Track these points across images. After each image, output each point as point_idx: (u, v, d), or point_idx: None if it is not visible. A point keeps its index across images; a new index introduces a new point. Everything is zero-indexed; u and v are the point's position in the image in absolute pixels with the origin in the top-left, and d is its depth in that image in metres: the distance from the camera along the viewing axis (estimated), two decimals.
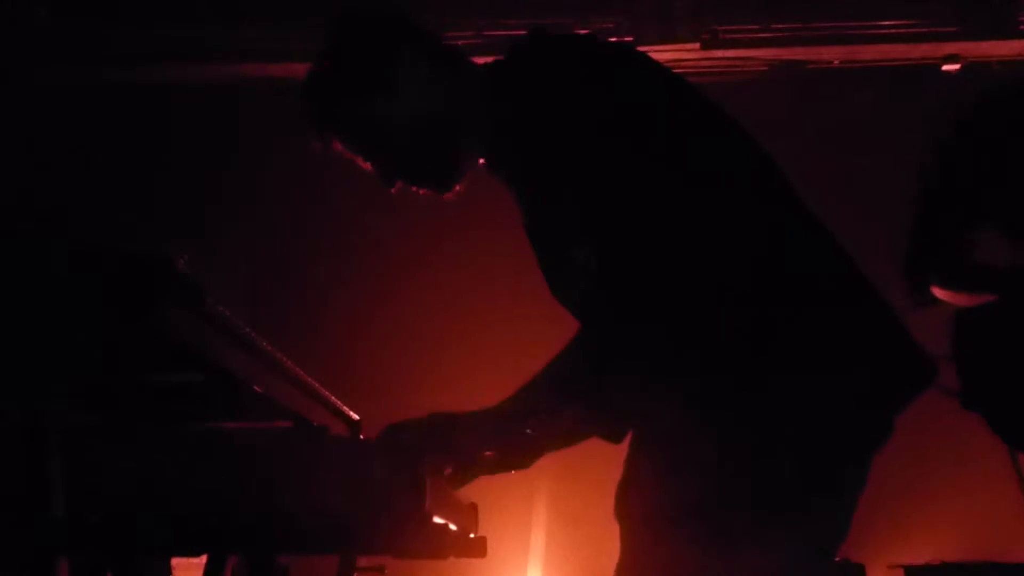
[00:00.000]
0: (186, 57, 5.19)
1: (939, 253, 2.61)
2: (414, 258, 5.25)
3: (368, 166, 2.12)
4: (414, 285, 5.25)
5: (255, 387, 1.73)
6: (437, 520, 1.80)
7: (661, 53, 4.52)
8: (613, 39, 2.16)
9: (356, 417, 2.45)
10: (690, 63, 5.09)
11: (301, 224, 5.32)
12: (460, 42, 3.61)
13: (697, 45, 5.17)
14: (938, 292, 2.86)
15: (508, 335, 5.01)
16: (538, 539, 5.16)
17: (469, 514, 2.21)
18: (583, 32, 2.16)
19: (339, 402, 2.24)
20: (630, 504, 1.96)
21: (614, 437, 2.06)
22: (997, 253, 2.67)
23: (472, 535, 2.18)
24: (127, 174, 5.21)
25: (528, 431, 2.05)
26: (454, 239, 5.09)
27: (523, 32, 2.10)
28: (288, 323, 4.75)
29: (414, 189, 2.12)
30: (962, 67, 5.23)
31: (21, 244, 1.36)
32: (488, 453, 2.07)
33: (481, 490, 2.19)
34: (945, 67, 5.26)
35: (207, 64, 5.24)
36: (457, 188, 2.13)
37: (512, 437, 2.04)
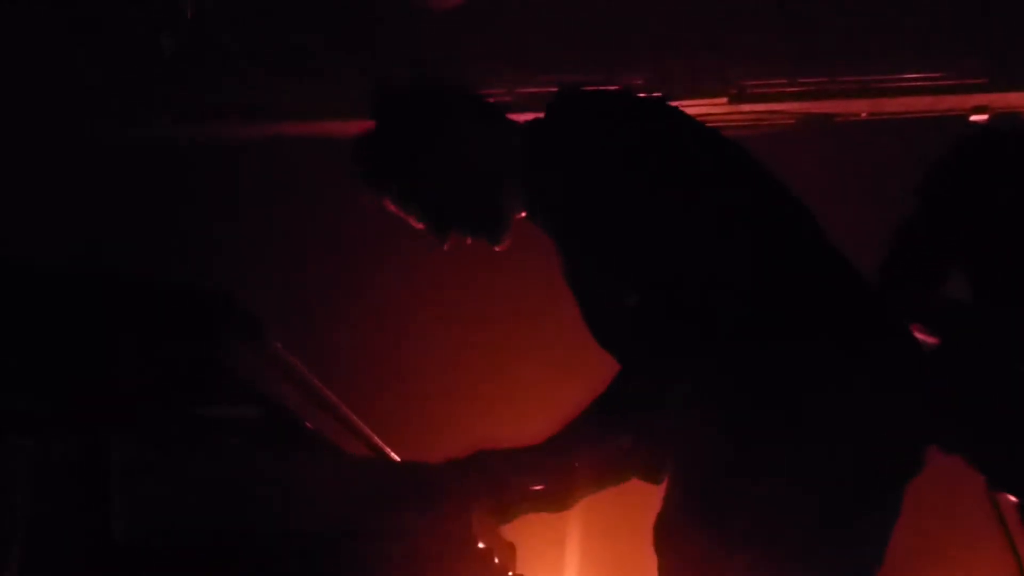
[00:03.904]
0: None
1: (906, 289, 2.63)
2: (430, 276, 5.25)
3: (420, 225, 2.23)
4: (426, 302, 5.25)
5: (307, 423, 1.80)
6: (481, 545, 1.86)
7: (689, 108, 4.55)
8: (642, 95, 2.24)
9: (398, 459, 2.51)
10: (718, 117, 5.11)
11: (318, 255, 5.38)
12: (492, 99, 3.69)
13: (725, 99, 5.22)
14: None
15: (532, 350, 5.04)
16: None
17: (508, 553, 2.27)
18: (614, 88, 2.24)
19: (380, 441, 2.31)
20: (670, 537, 2.00)
21: (654, 477, 2.11)
22: (961, 294, 2.68)
23: (511, 573, 2.24)
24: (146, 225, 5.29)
25: (575, 467, 2.09)
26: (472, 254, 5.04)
27: (554, 89, 2.19)
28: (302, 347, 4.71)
29: (467, 241, 2.23)
30: (991, 118, 5.27)
31: (87, 281, 1.44)
32: (537, 487, 2.11)
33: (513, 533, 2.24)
34: (973, 118, 5.29)
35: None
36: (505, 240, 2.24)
37: (560, 473, 2.09)
